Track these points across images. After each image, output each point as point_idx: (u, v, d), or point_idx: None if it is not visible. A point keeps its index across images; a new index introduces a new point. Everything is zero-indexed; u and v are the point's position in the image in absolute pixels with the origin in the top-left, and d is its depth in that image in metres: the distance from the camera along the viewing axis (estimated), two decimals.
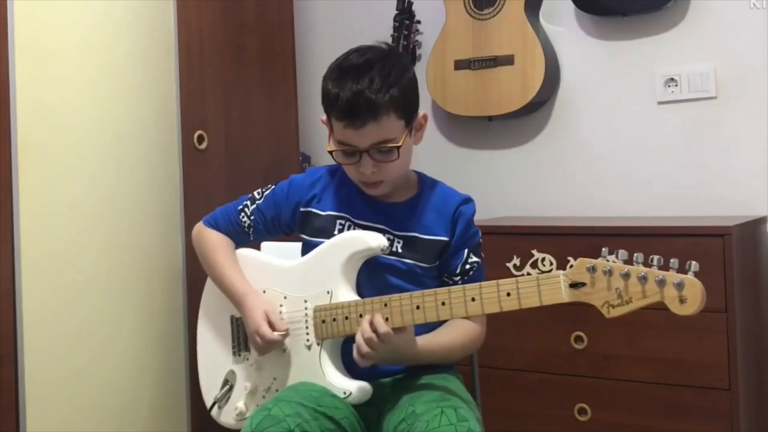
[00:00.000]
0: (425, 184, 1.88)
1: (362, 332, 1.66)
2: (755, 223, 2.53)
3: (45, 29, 2.09)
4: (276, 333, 1.78)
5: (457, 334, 1.79)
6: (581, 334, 2.42)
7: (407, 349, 1.71)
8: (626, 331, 2.34)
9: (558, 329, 2.44)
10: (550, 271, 2.45)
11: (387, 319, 1.68)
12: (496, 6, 2.87)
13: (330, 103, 1.73)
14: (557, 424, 2.46)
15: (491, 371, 2.48)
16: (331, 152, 1.78)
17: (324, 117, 1.81)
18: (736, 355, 2.23)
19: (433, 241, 1.81)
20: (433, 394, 1.67)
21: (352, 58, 1.75)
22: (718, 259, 2.22)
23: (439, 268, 1.83)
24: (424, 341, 1.74)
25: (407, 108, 1.74)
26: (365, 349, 1.66)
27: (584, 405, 2.42)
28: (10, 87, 2.01)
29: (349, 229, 1.82)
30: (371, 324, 1.66)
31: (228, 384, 1.93)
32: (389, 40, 3.08)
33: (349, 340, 1.78)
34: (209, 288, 2.03)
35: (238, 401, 1.90)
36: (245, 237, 1.96)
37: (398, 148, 1.72)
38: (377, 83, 1.68)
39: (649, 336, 2.32)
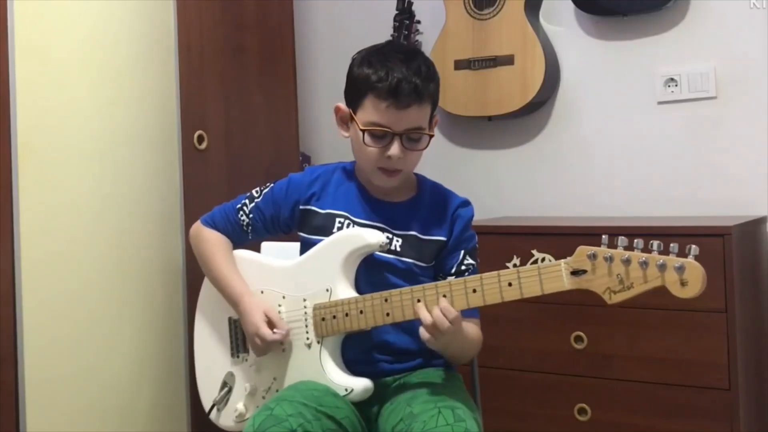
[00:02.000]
0: (424, 185, 1.89)
1: (439, 322, 1.60)
2: (755, 223, 2.53)
3: (45, 30, 2.09)
4: (276, 332, 1.78)
5: (471, 331, 1.78)
6: (581, 334, 2.42)
7: (458, 331, 1.67)
8: (626, 331, 2.34)
9: (558, 329, 2.44)
10: None
11: (388, 315, 1.68)
12: (496, 6, 2.87)
13: (373, 82, 1.73)
14: (557, 424, 2.46)
15: (491, 371, 2.48)
16: (363, 131, 1.76)
17: (342, 104, 1.82)
18: (736, 355, 2.23)
19: (432, 241, 1.81)
20: (431, 394, 1.67)
21: (390, 48, 1.80)
22: (718, 259, 2.22)
23: (435, 268, 1.83)
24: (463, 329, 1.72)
25: (436, 100, 1.82)
26: (437, 333, 1.62)
27: (584, 405, 2.42)
28: (10, 87, 2.01)
29: (348, 227, 1.82)
30: (442, 310, 1.62)
31: (227, 386, 1.92)
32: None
33: (350, 337, 1.78)
34: (206, 289, 2.02)
35: (238, 403, 1.90)
36: (244, 236, 1.95)
37: (430, 136, 1.77)
38: (424, 71, 1.75)
39: (649, 336, 2.32)
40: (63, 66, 2.13)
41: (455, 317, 1.62)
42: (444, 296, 1.65)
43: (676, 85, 2.75)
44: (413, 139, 1.76)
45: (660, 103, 2.79)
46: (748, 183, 2.65)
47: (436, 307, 1.64)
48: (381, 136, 1.75)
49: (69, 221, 2.13)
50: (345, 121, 1.83)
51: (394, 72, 1.72)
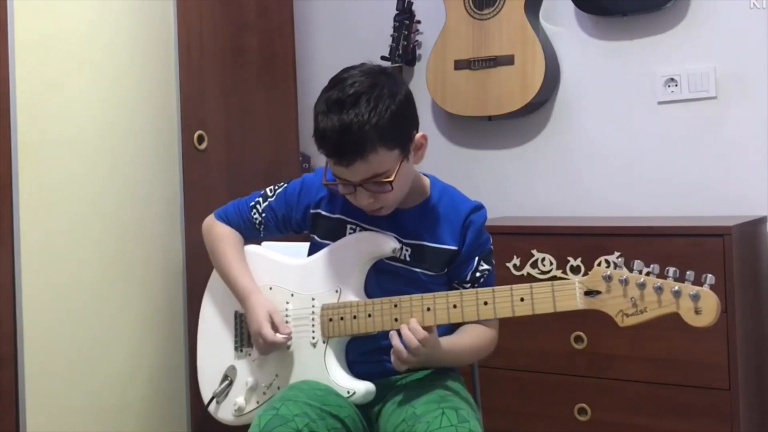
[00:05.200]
0: (436, 189, 1.84)
1: (408, 341, 1.63)
2: (755, 223, 2.53)
3: (45, 30, 2.09)
4: (279, 335, 1.78)
5: (474, 337, 1.78)
6: (581, 334, 2.42)
7: (436, 351, 1.69)
8: (626, 331, 2.32)
9: (558, 329, 2.44)
10: (549, 271, 2.45)
11: (396, 320, 1.68)
12: (495, 6, 2.86)
13: (317, 138, 1.68)
14: (557, 424, 2.46)
15: (491, 371, 2.48)
16: (326, 185, 1.76)
17: None
18: (736, 355, 2.23)
19: (442, 250, 1.79)
20: (434, 395, 1.67)
21: (341, 88, 1.67)
22: (718, 259, 2.22)
23: (448, 276, 1.81)
24: (447, 343, 1.73)
25: (398, 137, 1.68)
26: (405, 355, 1.64)
27: (584, 405, 2.42)
28: (10, 87, 2.01)
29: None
30: (412, 330, 1.64)
31: (228, 379, 1.93)
32: (389, 40, 3.08)
33: (354, 339, 1.78)
34: (214, 282, 2.02)
35: (238, 396, 1.90)
36: (256, 233, 1.96)
37: (390, 182, 1.67)
38: (362, 118, 1.62)
39: (649, 336, 2.32)
40: (63, 66, 2.13)
41: (424, 337, 1.62)
42: (428, 310, 1.65)
43: (676, 85, 2.75)
44: (377, 183, 1.68)
45: (660, 103, 2.79)
46: (748, 183, 2.65)
47: (405, 326, 1.64)
48: (345, 185, 1.71)
49: (69, 221, 2.13)
50: None
51: (329, 129, 1.64)
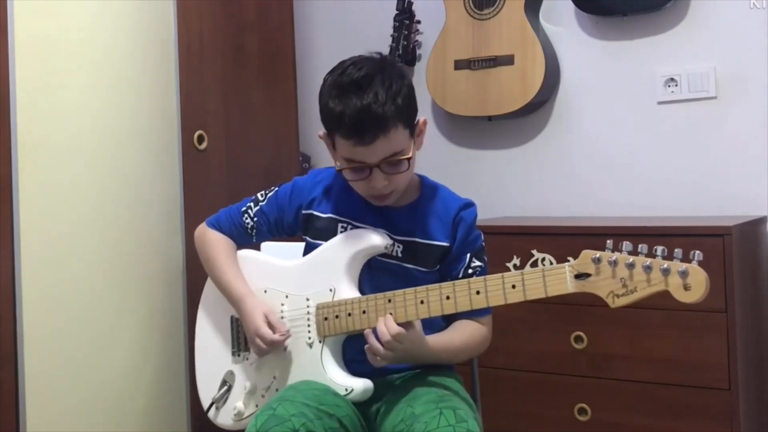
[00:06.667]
0: (426, 187, 1.86)
1: (381, 335, 1.65)
2: (755, 223, 2.53)
3: (45, 30, 2.09)
4: (277, 335, 1.79)
5: (465, 334, 1.79)
6: (581, 334, 2.42)
7: (418, 347, 1.70)
8: (626, 331, 2.34)
9: (558, 329, 2.44)
10: None
11: (390, 313, 1.69)
12: (495, 6, 2.87)
13: (334, 121, 1.69)
14: (557, 424, 2.46)
15: (491, 371, 2.48)
16: (339, 171, 1.76)
17: (322, 132, 1.78)
18: (736, 355, 2.23)
19: (433, 246, 1.80)
20: (432, 395, 1.67)
21: (349, 73, 1.70)
22: (718, 259, 2.22)
23: (441, 273, 1.82)
24: (433, 340, 1.74)
25: (411, 116, 1.73)
26: (382, 351, 1.66)
27: (584, 405, 2.42)
28: (10, 87, 2.02)
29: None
30: (385, 326, 1.66)
31: (226, 385, 1.93)
32: (389, 40, 3.08)
33: (351, 338, 1.79)
34: (209, 288, 2.02)
35: (237, 401, 1.90)
36: (248, 238, 1.96)
37: (408, 159, 1.71)
38: (382, 96, 1.66)
39: (649, 336, 2.32)
40: (63, 66, 2.13)
41: (397, 333, 1.64)
42: (390, 314, 1.68)
43: (676, 85, 2.75)
44: (393, 163, 1.71)
45: (660, 103, 2.79)
46: (748, 183, 2.65)
47: (379, 321, 1.67)
48: (360, 169, 1.72)
49: (69, 222, 2.14)
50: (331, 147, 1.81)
51: (349, 108, 1.65)
